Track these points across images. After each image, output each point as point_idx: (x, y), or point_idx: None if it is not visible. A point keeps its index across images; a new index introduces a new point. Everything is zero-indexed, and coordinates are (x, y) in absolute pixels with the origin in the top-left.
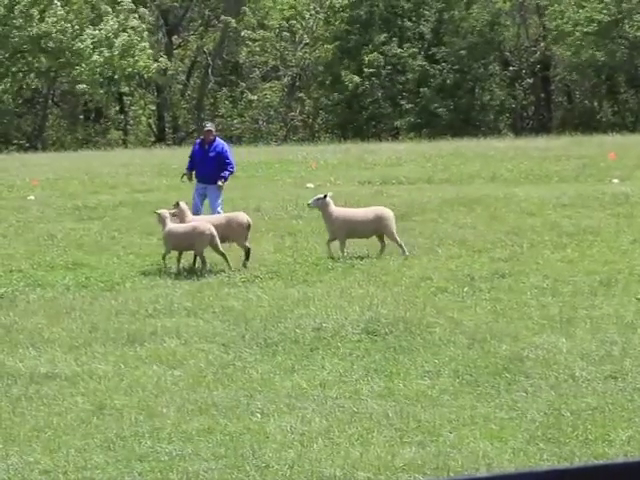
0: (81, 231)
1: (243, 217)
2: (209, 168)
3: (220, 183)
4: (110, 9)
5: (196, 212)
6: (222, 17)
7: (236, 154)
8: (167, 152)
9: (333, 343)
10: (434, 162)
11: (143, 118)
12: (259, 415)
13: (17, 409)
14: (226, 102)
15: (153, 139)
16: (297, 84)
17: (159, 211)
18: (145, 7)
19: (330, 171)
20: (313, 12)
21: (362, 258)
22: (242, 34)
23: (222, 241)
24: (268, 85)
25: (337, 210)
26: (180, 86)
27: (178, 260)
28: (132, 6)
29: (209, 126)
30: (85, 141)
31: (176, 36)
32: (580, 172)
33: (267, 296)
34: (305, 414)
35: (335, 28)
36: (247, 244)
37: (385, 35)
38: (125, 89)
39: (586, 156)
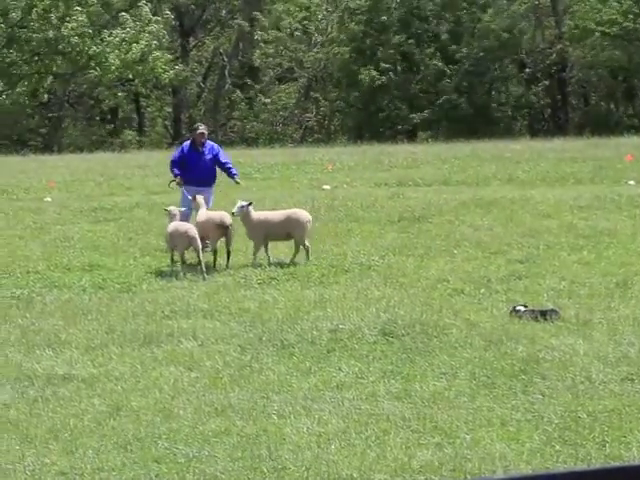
0: (97, 233)
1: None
2: (205, 171)
3: (239, 180)
4: (128, 16)
5: (185, 218)
6: (236, 20)
7: (252, 156)
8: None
9: (350, 345)
10: (450, 164)
11: (159, 120)
12: (276, 417)
13: (34, 410)
14: (242, 104)
15: (169, 141)
16: (312, 85)
17: (169, 208)
18: (162, 10)
19: (346, 173)
20: (326, 13)
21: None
22: (255, 37)
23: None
24: (283, 87)
25: (258, 215)
26: (196, 88)
27: (182, 259)
28: (150, 15)
29: (202, 128)
30: (101, 143)
31: (192, 37)
32: (596, 174)
33: (283, 297)
34: (322, 416)
35: (351, 29)
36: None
37: (401, 36)
38: (141, 90)
39: (602, 158)
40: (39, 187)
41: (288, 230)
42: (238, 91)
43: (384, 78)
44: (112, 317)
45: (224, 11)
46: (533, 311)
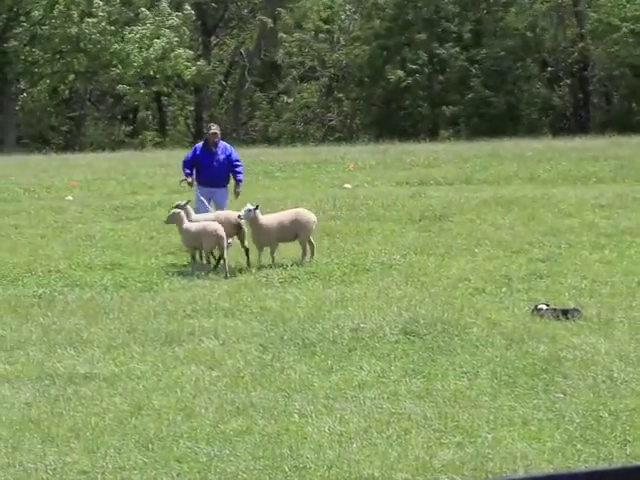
0: (119, 231)
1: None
2: (219, 171)
3: (239, 190)
4: (148, 11)
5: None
6: (258, 16)
7: (274, 155)
8: None
9: (371, 344)
10: (472, 163)
11: (181, 118)
12: (297, 416)
13: (55, 409)
14: (263, 102)
15: (191, 139)
16: (333, 84)
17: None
18: (183, 6)
19: (368, 172)
20: (349, 13)
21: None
22: (279, 36)
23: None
24: (305, 85)
25: (266, 218)
26: (218, 86)
27: (193, 258)
28: (168, 10)
29: (214, 128)
30: (122, 141)
31: (214, 36)
32: (618, 173)
33: (305, 297)
34: (343, 415)
35: (376, 27)
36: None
37: (424, 35)
38: (163, 89)
39: (624, 157)
40: (61, 186)
41: (296, 231)
42: (259, 90)
43: (410, 79)
44: (134, 316)
45: (245, 10)
46: (555, 310)
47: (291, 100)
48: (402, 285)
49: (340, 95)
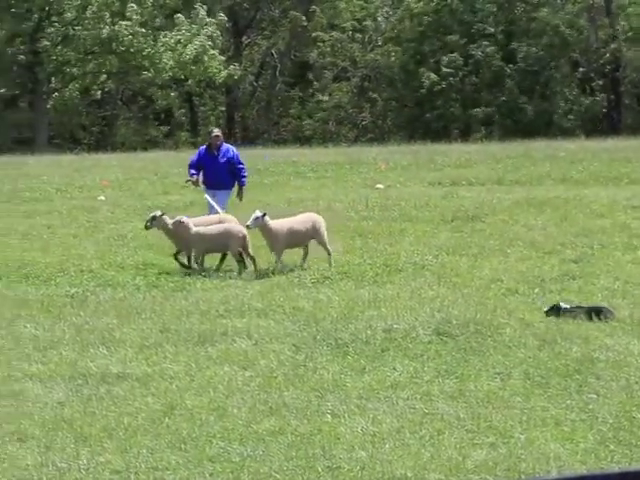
0: (151, 231)
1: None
2: (220, 174)
3: (242, 194)
4: (183, 17)
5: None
6: (291, 13)
7: (306, 155)
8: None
9: (404, 344)
10: (504, 163)
11: (212, 119)
12: (330, 416)
13: (88, 409)
14: (295, 103)
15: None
16: (365, 85)
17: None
18: (217, 11)
19: (400, 172)
20: (386, 14)
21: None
22: (313, 35)
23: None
24: (337, 86)
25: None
26: (249, 87)
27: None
28: (206, 19)
29: (216, 131)
30: (154, 141)
31: (245, 37)
32: None
33: (337, 297)
34: (376, 415)
35: (409, 28)
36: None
37: (457, 36)
38: (195, 89)
39: None
40: (93, 186)
41: (312, 236)
42: (290, 90)
43: (444, 83)
44: (166, 316)
45: (277, 10)
46: (580, 307)
47: (325, 98)
48: (434, 286)
49: (374, 96)
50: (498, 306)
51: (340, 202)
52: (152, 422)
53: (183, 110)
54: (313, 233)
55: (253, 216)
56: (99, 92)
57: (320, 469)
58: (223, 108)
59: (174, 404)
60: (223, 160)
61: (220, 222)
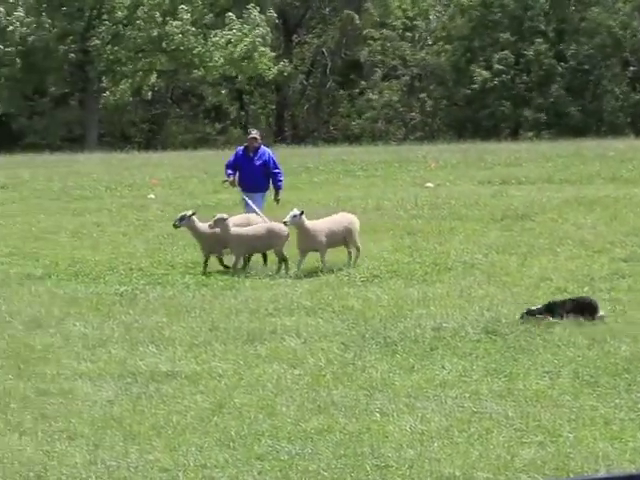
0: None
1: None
2: (256, 177)
3: (279, 198)
4: (234, 17)
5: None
6: (344, 11)
7: (355, 154)
8: (286, 151)
9: (453, 343)
10: (554, 162)
11: (262, 117)
12: (378, 414)
13: (137, 407)
14: (345, 101)
15: (272, 138)
16: (415, 83)
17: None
18: (267, 9)
19: (449, 171)
20: (438, 13)
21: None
22: (364, 32)
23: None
24: (387, 84)
25: (313, 224)
26: (299, 85)
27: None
28: (258, 20)
29: (254, 133)
30: (205, 139)
31: (295, 35)
32: None
33: (387, 295)
34: (425, 414)
35: (461, 25)
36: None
37: (508, 34)
38: (245, 87)
39: None
40: (142, 184)
41: (344, 235)
42: (340, 89)
43: (497, 81)
44: (215, 314)
45: (327, 8)
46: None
47: (375, 97)
48: (484, 284)
49: (423, 95)
50: None
51: (389, 201)
52: (201, 420)
53: (233, 108)
54: (346, 233)
55: (291, 214)
56: (149, 91)
57: (368, 467)
58: (273, 106)
59: (223, 402)
60: (259, 162)
61: (248, 223)
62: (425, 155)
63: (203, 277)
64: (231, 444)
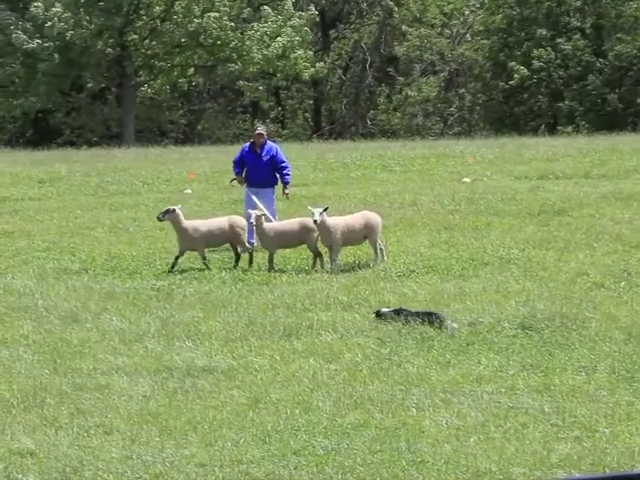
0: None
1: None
2: (263, 172)
3: (288, 192)
4: (270, 9)
5: (248, 218)
6: (384, 2)
7: (392, 148)
8: (324, 146)
9: (489, 338)
10: (591, 157)
11: (300, 112)
12: (415, 410)
13: (173, 402)
14: (382, 96)
15: (309, 133)
16: (454, 79)
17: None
18: (306, 5)
19: (486, 166)
20: (474, 9)
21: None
22: (402, 28)
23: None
24: (424, 80)
25: (332, 220)
26: (337, 80)
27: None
28: (292, 10)
29: (260, 129)
30: (241, 135)
31: (333, 30)
32: None
33: (423, 290)
34: (461, 409)
35: (499, 21)
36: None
37: (544, 30)
38: (282, 83)
39: None
40: (179, 179)
41: (365, 233)
42: (378, 84)
43: (535, 78)
44: (252, 309)
45: (365, 3)
46: (418, 314)
47: (413, 93)
48: (520, 279)
49: (462, 91)
50: (584, 300)
51: (426, 196)
52: (237, 415)
53: (271, 103)
54: (367, 231)
55: (317, 210)
56: (186, 85)
57: (404, 463)
58: (310, 101)
59: (259, 397)
60: (266, 158)
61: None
62: (462, 150)
63: (239, 273)
64: (267, 439)
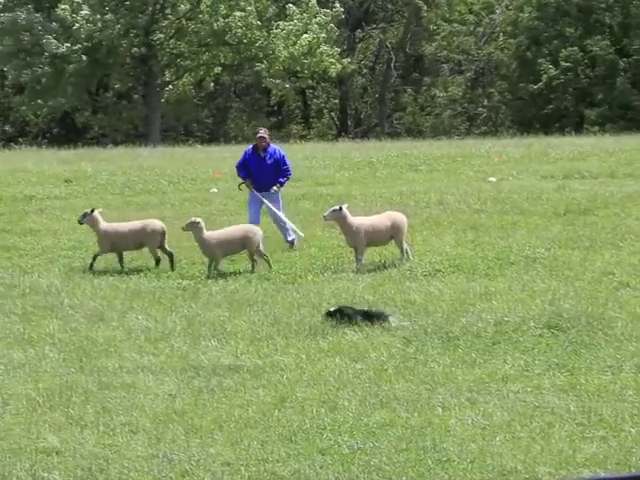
0: (263, 224)
1: (157, 223)
2: (268, 176)
3: (275, 188)
4: (295, 7)
5: (254, 221)
6: (413, 1)
7: (418, 148)
8: (349, 145)
9: (515, 337)
10: (617, 157)
11: (325, 111)
12: (440, 409)
13: (199, 401)
14: (408, 96)
15: (335, 132)
16: (481, 78)
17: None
18: (332, 3)
19: (512, 165)
20: (504, 7)
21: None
22: (431, 27)
23: (138, 247)
24: (451, 79)
25: (355, 220)
26: (363, 80)
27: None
28: (317, 7)
29: (262, 132)
30: None
31: (359, 30)
32: None
33: (449, 290)
34: (486, 408)
35: (527, 19)
36: (168, 248)
37: (573, 29)
38: (308, 82)
39: None
40: (205, 178)
41: (391, 234)
42: (404, 83)
43: (563, 78)
44: (277, 308)
45: (389, 4)
46: (357, 312)
47: (440, 92)
48: (546, 279)
49: (491, 90)
50: (610, 299)
51: (452, 195)
52: (263, 414)
53: (295, 104)
54: (393, 232)
55: (330, 208)
56: (212, 84)
57: (430, 462)
58: (336, 101)
59: (285, 396)
60: (270, 161)
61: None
62: (488, 149)
63: (266, 271)
64: (293, 438)
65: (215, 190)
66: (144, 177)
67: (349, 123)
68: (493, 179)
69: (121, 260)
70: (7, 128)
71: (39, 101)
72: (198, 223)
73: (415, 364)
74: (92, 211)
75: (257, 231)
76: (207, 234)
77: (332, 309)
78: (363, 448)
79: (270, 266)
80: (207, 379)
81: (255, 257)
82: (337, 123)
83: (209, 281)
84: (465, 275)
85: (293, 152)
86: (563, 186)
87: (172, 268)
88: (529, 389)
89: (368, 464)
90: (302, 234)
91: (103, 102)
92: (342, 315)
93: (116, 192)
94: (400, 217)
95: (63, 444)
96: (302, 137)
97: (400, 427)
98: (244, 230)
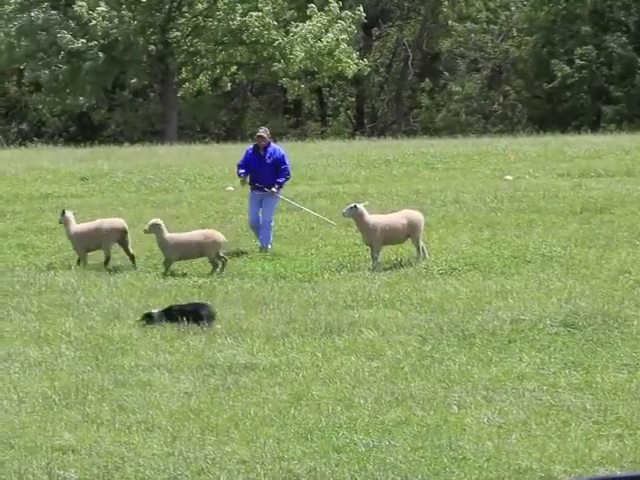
0: (279, 222)
1: (119, 222)
2: (267, 175)
3: (274, 189)
4: (316, 9)
5: (255, 222)
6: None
7: (434, 146)
8: (366, 143)
9: (531, 335)
10: (633, 155)
11: (342, 109)
12: (456, 407)
13: (215, 399)
14: (424, 94)
15: (351, 130)
16: (497, 76)
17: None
18: (354, 6)
19: (529, 163)
20: (519, 4)
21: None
22: (448, 24)
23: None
24: (467, 77)
25: (372, 218)
26: (379, 78)
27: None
28: (338, 11)
29: (261, 132)
30: (283, 132)
31: (375, 28)
32: None
33: (465, 288)
34: (502, 406)
35: (543, 18)
36: (130, 249)
37: (588, 27)
38: (324, 80)
39: None
40: (221, 176)
41: (408, 232)
42: (420, 81)
43: (577, 76)
44: (293, 306)
45: (406, 1)
46: (184, 311)
47: (457, 90)
48: (562, 277)
49: (508, 88)
50: (626, 298)
51: (468, 193)
52: (279, 412)
53: (312, 102)
54: (410, 230)
55: (348, 206)
56: (229, 83)
57: (446, 460)
58: (353, 99)
59: (301, 394)
60: (270, 161)
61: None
62: (505, 148)
63: (281, 270)
64: (309, 436)
65: (231, 188)
66: (160, 175)
67: (365, 121)
68: (510, 177)
69: (83, 261)
70: (24, 127)
71: (57, 99)
72: (159, 225)
73: (431, 362)
74: (63, 212)
75: (217, 238)
76: (168, 235)
77: (155, 311)
78: (379, 446)
79: (223, 269)
80: (223, 377)
81: (215, 261)
82: (353, 121)
83: (225, 279)
84: (481, 273)
85: (309, 150)
86: (579, 184)
87: (134, 267)
88: (545, 387)
89: (384, 462)
90: (334, 222)
91: (119, 100)
92: (168, 315)
93: (132, 190)
94: (416, 215)
95: (79, 442)
96: (320, 134)
97: (416, 425)
98: (204, 236)
